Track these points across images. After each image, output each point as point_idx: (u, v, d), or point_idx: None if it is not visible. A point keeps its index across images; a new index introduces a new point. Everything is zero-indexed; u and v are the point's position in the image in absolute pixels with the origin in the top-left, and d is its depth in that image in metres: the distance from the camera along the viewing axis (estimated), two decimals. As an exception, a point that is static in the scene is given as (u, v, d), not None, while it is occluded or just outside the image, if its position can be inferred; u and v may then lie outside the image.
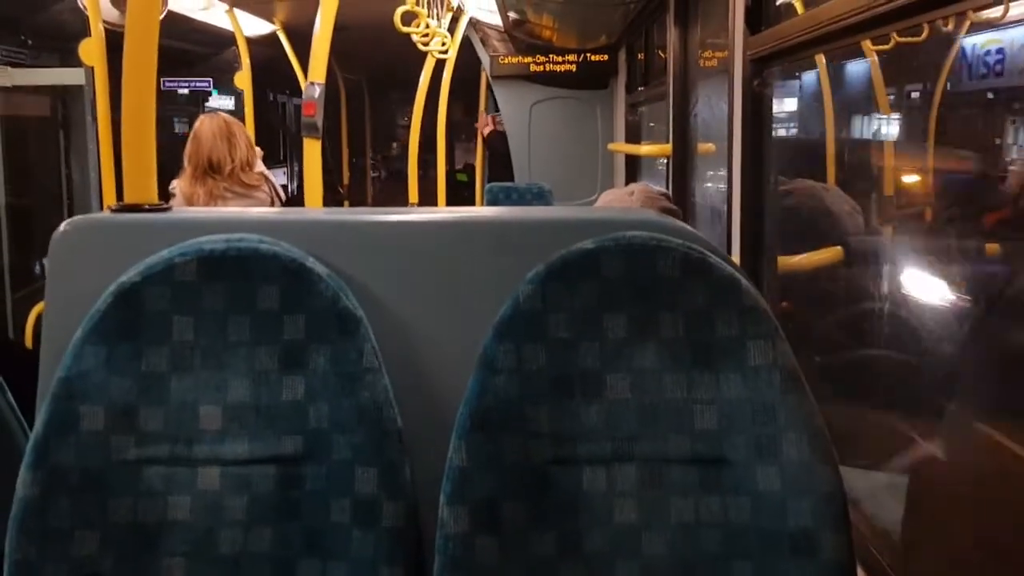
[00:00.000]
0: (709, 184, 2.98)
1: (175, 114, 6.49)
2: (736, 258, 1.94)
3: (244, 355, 1.10)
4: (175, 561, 1.06)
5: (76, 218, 1.25)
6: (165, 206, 1.30)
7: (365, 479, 1.06)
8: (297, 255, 1.12)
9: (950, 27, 2.07)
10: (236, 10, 4.70)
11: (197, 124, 3.04)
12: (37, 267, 4.58)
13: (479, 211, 1.39)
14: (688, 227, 1.22)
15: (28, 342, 3.79)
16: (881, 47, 2.58)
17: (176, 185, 2.96)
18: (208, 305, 1.10)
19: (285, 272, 1.10)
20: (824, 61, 2.81)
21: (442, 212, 1.31)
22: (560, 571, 1.04)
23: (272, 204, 3.19)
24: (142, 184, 1.32)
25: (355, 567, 1.05)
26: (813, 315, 2.21)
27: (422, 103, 4.65)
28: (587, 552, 1.05)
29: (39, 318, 3.80)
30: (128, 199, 1.31)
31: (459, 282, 1.22)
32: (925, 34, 2.21)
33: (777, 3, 1.91)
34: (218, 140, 2.99)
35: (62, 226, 1.23)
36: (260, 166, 3.43)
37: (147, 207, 1.29)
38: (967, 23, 1.99)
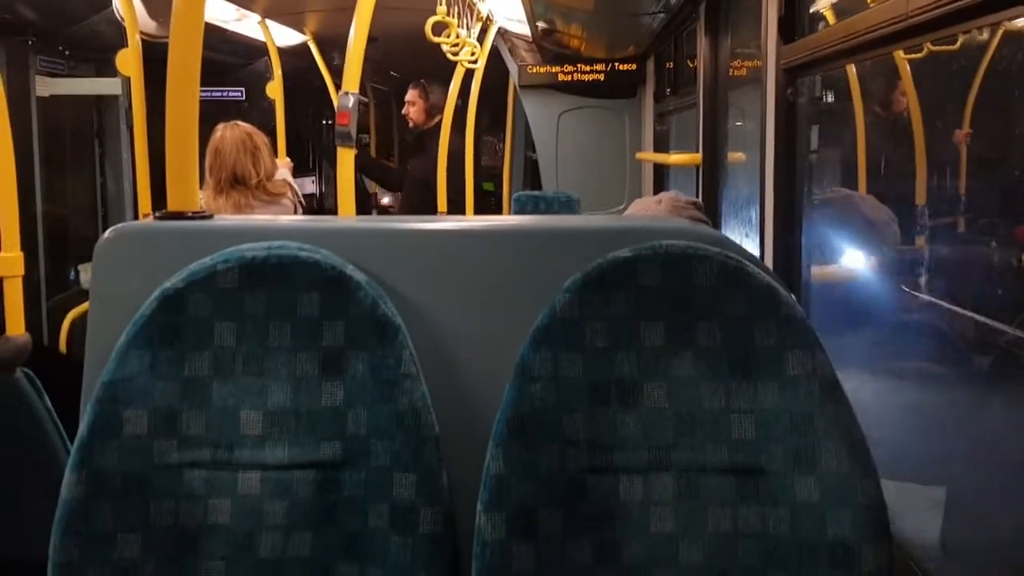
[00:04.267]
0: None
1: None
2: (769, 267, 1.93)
3: (285, 361, 1.11)
4: (216, 565, 1.07)
5: (120, 225, 1.27)
6: (207, 213, 1.32)
7: (403, 485, 1.07)
8: (337, 262, 1.13)
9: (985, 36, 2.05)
10: (268, 21, 4.75)
11: (217, 135, 2.98)
12: (72, 274, 4.64)
13: (516, 220, 1.40)
14: (724, 236, 1.22)
15: (63, 347, 3.85)
16: (914, 56, 2.56)
17: (200, 198, 2.93)
18: (250, 311, 1.11)
19: (325, 279, 1.12)
20: (855, 72, 2.80)
21: (479, 220, 1.32)
22: None
23: (296, 211, 3.19)
24: (184, 192, 1.34)
25: (392, 572, 1.06)
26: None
27: (451, 112, 4.68)
28: (623, 561, 1.05)
29: (73, 323, 3.87)
30: (171, 207, 1.33)
31: (496, 290, 1.23)
32: (960, 43, 2.20)
33: (811, 11, 1.90)
34: (241, 154, 2.94)
35: (107, 233, 1.25)
36: (283, 173, 3.44)
37: (190, 214, 1.31)
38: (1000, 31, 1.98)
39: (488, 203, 7.60)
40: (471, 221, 1.31)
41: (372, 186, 7.85)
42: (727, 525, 1.05)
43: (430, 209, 4.81)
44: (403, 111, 5.15)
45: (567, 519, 1.05)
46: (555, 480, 1.06)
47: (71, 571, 1.06)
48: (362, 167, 5.55)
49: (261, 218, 1.54)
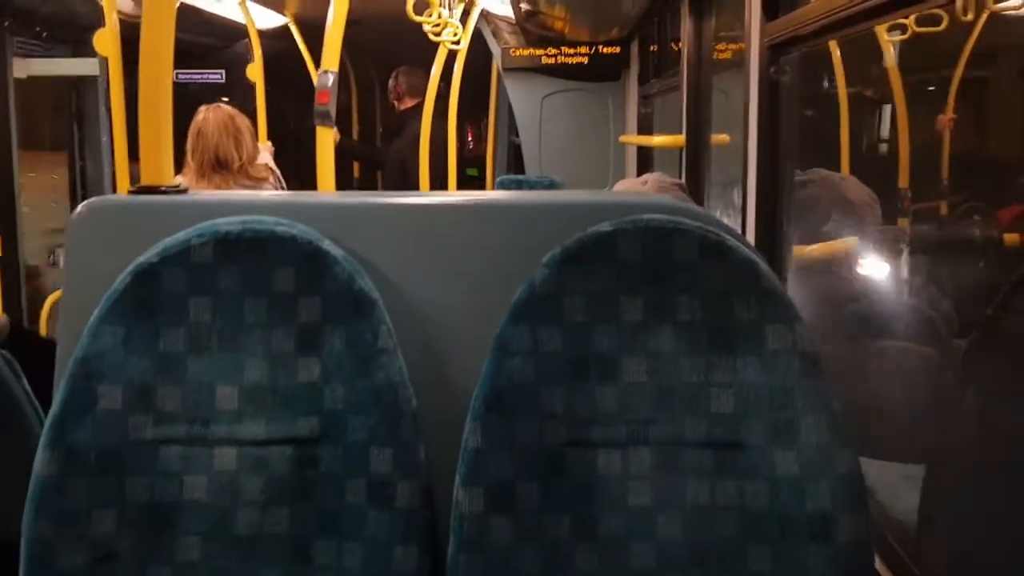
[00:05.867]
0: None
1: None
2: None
3: (260, 336, 1.10)
4: (191, 541, 1.07)
5: (93, 200, 1.25)
6: (182, 188, 1.30)
7: (380, 460, 1.06)
8: (313, 237, 1.12)
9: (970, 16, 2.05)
10: (248, 2, 4.69)
11: (199, 117, 2.96)
12: (50, 257, 4.59)
13: (495, 195, 1.39)
14: (706, 211, 1.22)
15: (43, 330, 3.82)
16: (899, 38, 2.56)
17: (181, 182, 2.92)
18: (225, 286, 1.10)
19: (301, 254, 1.11)
20: (838, 51, 2.80)
21: (458, 195, 1.31)
22: (574, 553, 1.04)
23: None
24: (158, 166, 1.32)
25: (370, 547, 1.05)
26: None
27: (433, 94, 4.65)
28: (601, 534, 1.05)
29: (53, 306, 3.83)
30: (144, 181, 1.31)
31: (475, 265, 1.22)
32: (945, 23, 2.20)
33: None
34: (224, 137, 2.92)
35: (80, 207, 1.23)
36: (265, 157, 3.43)
37: (164, 188, 1.29)
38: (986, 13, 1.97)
39: (472, 189, 7.57)
40: (450, 196, 1.30)
41: (356, 170, 7.83)
42: (705, 499, 1.05)
43: (403, 189, 4.83)
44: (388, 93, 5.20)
45: (545, 493, 1.05)
46: (533, 454, 1.05)
47: (45, 548, 1.05)
48: (348, 149, 5.57)
49: (237, 193, 1.53)
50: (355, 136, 8.51)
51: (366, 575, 1.05)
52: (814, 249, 2.04)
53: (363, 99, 8.54)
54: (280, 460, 1.08)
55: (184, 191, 1.30)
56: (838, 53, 2.77)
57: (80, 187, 4.76)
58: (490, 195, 1.36)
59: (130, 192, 1.29)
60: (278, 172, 3.38)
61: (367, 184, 7.82)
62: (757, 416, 1.05)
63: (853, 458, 1.03)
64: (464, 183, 5.76)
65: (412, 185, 4.81)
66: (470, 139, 8.29)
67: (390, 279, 1.20)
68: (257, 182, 3.03)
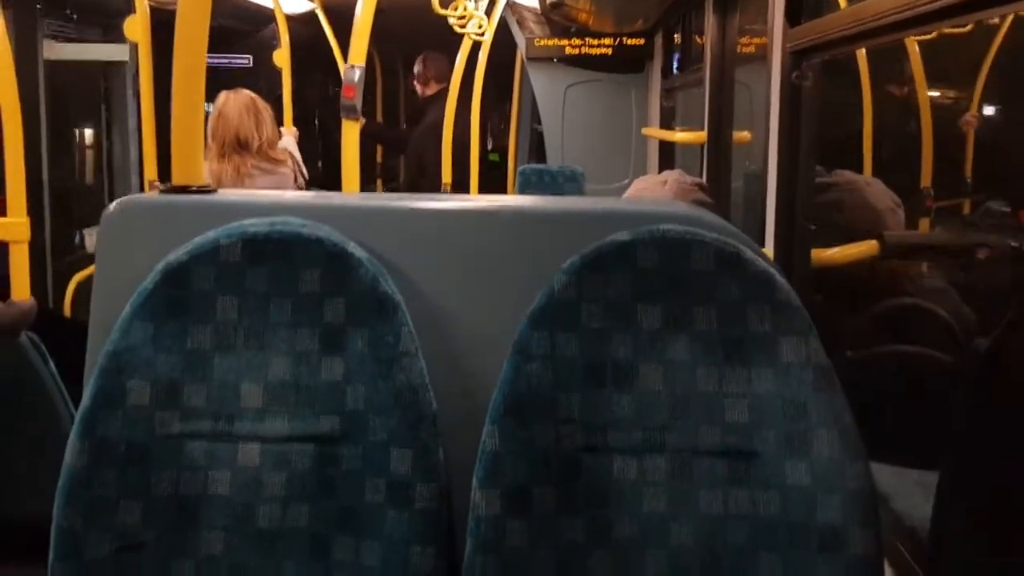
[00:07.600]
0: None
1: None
2: (770, 251, 1.94)
3: (285, 336, 1.13)
4: (215, 534, 1.10)
5: (126, 198, 1.29)
6: (211, 188, 1.34)
7: (400, 460, 1.09)
8: (338, 239, 1.15)
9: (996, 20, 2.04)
10: (275, -13, 4.71)
11: (221, 100, 3.05)
12: (77, 238, 4.66)
13: (516, 200, 1.41)
14: (723, 221, 1.23)
15: (67, 311, 3.87)
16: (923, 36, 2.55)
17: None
18: (252, 286, 1.13)
19: (327, 256, 1.13)
20: (865, 55, 2.79)
21: (480, 200, 1.33)
22: (589, 557, 1.07)
23: (295, 180, 3.21)
24: (190, 166, 1.35)
25: (388, 546, 1.08)
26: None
27: (457, 84, 4.65)
28: (616, 539, 1.07)
29: (78, 288, 3.89)
30: (176, 181, 1.34)
31: (495, 270, 1.24)
32: (970, 27, 2.19)
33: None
34: (245, 117, 3.01)
35: (112, 205, 1.27)
36: (288, 142, 3.46)
37: (194, 189, 1.32)
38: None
39: (493, 175, 7.58)
40: (473, 201, 1.32)
41: (379, 155, 7.86)
42: (718, 507, 1.06)
43: (412, 176, 4.97)
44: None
45: (561, 497, 1.07)
46: (550, 458, 1.07)
47: (73, 536, 1.08)
48: (371, 133, 5.62)
49: (265, 193, 1.56)
50: (380, 119, 8.55)
51: (383, 573, 1.07)
52: (835, 252, 2.04)
53: (387, 82, 8.55)
54: (302, 457, 1.11)
55: (213, 191, 1.33)
56: (864, 54, 2.77)
57: (106, 171, 4.82)
58: (512, 200, 1.38)
59: (161, 191, 1.32)
60: (299, 159, 3.41)
61: (391, 170, 7.84)
62: (771, 427, 1.06)
63: (865, 472, 1.04)
64: (486, 169, 5.77)
65: (430, 177, 4.82)
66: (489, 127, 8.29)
67: (412, 282, 1.22)
68: (276, 164, 3.08)
